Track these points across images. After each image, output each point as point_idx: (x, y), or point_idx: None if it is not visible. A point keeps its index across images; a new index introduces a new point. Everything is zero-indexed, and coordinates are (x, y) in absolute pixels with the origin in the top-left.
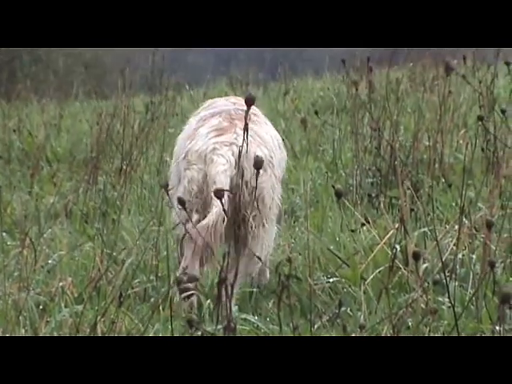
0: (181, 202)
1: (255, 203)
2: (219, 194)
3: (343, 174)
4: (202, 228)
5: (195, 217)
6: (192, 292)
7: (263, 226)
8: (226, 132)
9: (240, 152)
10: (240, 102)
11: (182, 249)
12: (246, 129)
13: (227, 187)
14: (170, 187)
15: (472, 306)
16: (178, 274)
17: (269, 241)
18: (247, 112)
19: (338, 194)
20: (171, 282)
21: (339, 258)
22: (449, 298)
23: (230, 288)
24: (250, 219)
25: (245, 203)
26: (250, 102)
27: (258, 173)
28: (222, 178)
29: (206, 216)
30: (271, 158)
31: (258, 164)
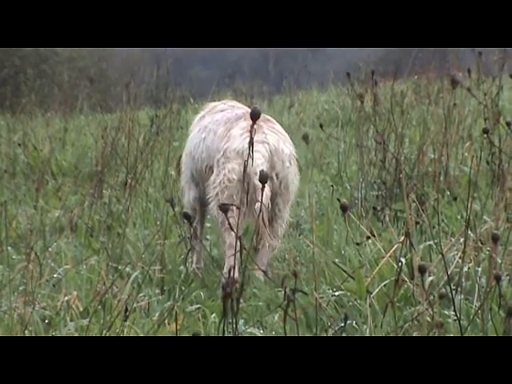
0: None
1: (282, 189)
2: (264, 178)
3: (348, 187)
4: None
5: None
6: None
7: (285, 206)
8: (257, 132)
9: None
10: (237, 105)
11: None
12: (251, 142)
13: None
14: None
15: (478, 320)
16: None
17: (285, 220)
18: (252, 126)
19: (344, 209)
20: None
21: (344, 271)
22: (454, 311)
23: (235, 303)
24: (279, 201)
25: (275, 189)
26: (255, 116)
27: (263, 187)
28: (261, 169)
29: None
30: (293, 153)
31: (263, 178)
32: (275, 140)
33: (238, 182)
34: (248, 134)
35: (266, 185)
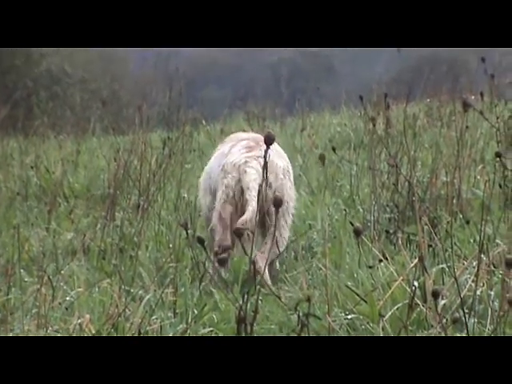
0: (237, 234)
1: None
2: (238, 233)
3: (361, 210)
4: (242, 221)
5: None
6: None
7: (283, 217)
8: (254, 149)
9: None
10: (257, 136)
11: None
12: (265, 167)
13: (257, 190)
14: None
15: None
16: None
17: (286, 231)
18: (266, 151)
19: (357, 232)
20: (189, 318)
21: (357, 294)
22: (467, 334)
23: (249, 326)
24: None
25: (268, 201)
26: (269, 140)
27: (276, 212)
28: (253, 184)
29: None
30: (288, 168)
31: (278, 203)
32: (270, 156)
33: (233, 197)
34: (246, 150)
35: (254, 199)
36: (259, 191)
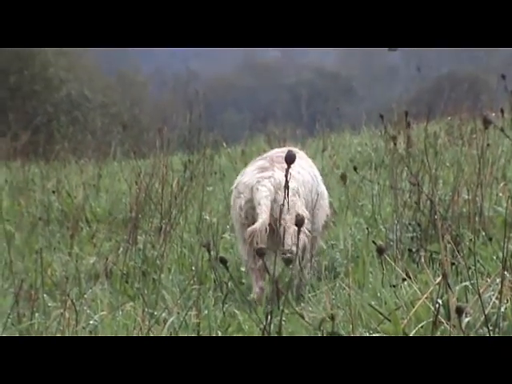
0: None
1: (289, 215)
2: (261, 252)
3: (383, 229)
4: (251, 230)
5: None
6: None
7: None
8: (266, 170)
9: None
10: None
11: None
12: (286, 186)
13: (269, 206)
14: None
15: None
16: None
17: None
18: (287, 170)
19: (380, 251)
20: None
21: (381, 313)
22: None
23: None
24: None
25: (281, 214)
26: (290, 160)
27: (299, 230)
28: (265, 200)
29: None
30: (298, 189)
31: (300, 222)
32: (281, 176)
33: (245, 218)
34: (258, 171)
35: (265, 213)
36: (271, 206)
